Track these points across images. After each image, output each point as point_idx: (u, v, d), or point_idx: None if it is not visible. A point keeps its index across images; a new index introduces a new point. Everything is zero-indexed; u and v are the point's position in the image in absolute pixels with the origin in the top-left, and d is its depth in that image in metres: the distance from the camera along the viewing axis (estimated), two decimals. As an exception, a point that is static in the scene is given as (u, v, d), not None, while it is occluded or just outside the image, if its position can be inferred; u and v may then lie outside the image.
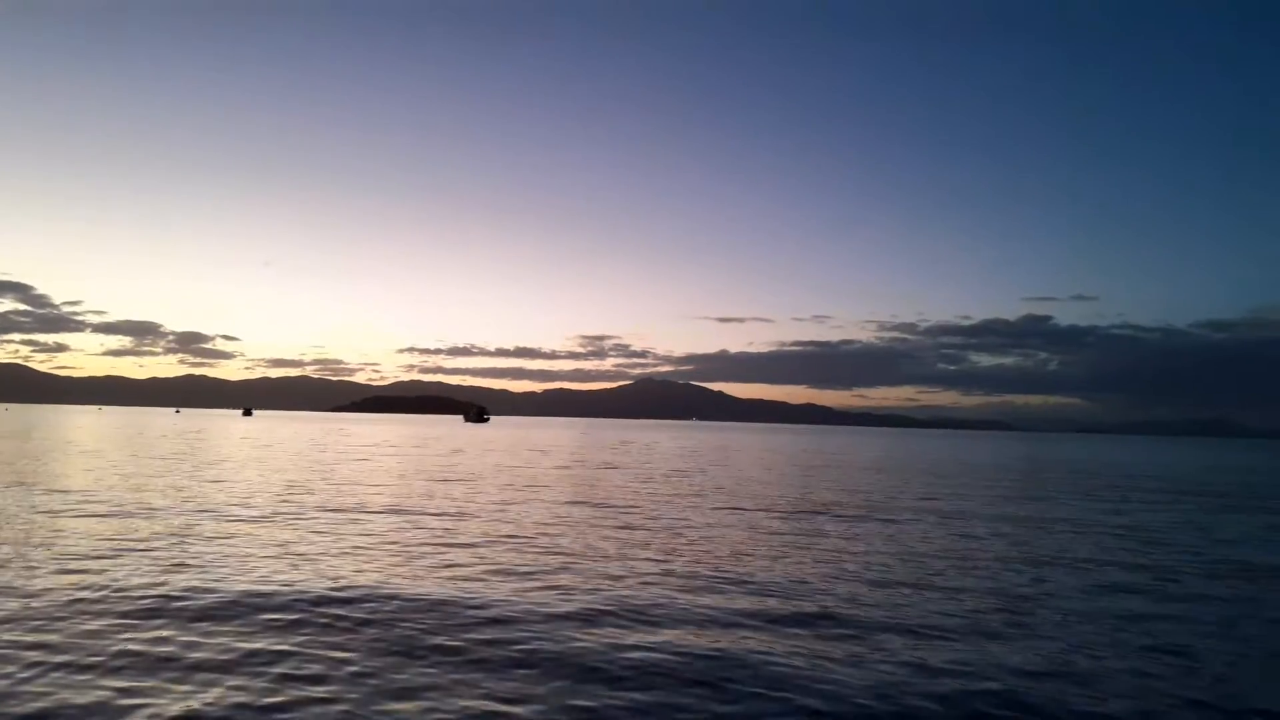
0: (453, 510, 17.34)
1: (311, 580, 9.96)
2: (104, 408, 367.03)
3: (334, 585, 9.70)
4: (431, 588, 9.79)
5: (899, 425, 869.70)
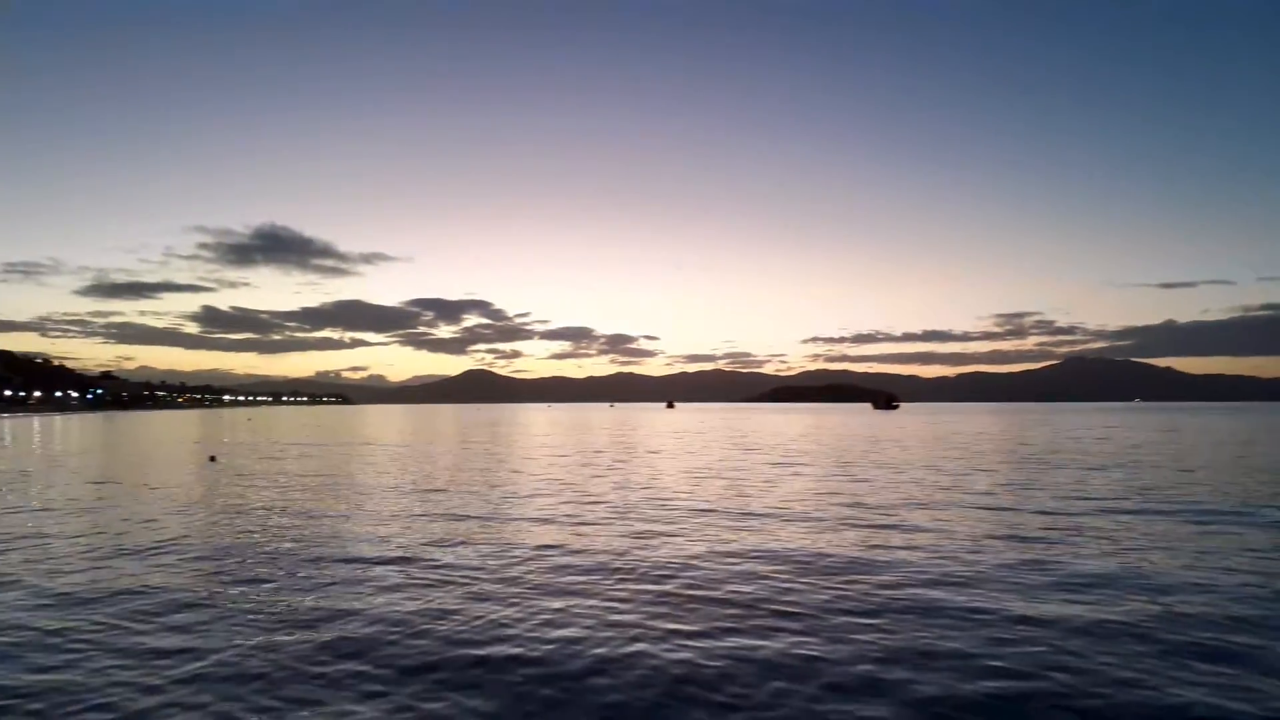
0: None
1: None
2: (552, 405, 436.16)
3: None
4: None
5: None
